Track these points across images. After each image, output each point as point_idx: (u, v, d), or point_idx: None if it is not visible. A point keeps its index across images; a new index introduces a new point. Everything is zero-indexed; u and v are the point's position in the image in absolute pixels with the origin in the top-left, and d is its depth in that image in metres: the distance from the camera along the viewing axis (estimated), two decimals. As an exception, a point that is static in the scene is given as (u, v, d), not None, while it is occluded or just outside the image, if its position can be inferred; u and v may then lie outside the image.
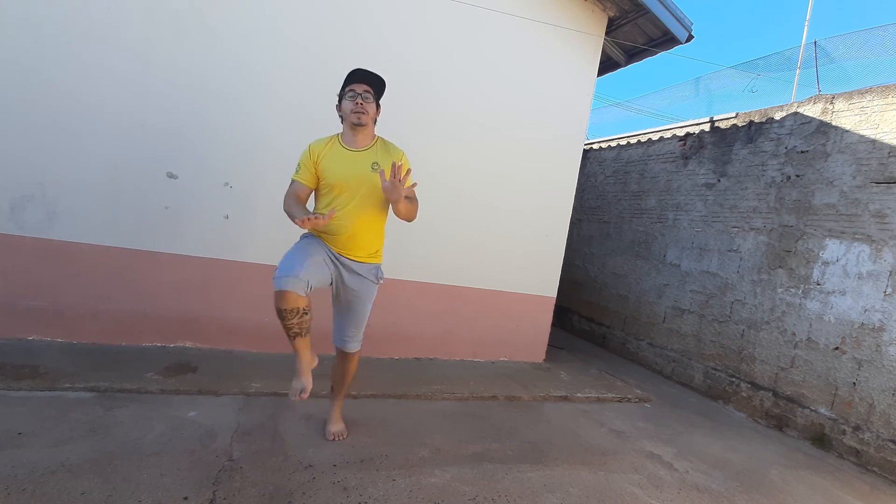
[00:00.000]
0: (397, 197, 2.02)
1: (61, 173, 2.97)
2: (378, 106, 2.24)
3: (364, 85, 2.15)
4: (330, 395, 2.52)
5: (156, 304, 3.22)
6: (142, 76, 3.06)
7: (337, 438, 2.43)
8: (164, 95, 3.12)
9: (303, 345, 2.10)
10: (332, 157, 2.15)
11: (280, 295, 1.95)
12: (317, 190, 2.22)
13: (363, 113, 2.12)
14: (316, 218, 1.87)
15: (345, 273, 2.19)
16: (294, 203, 2.08)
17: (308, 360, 2.15)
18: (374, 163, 2.16)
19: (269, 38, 3.31)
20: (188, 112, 3.18)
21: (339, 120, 2.25)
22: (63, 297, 3.03)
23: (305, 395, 2.13)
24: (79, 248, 3.04)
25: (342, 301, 2.26)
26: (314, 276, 2.04)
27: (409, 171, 2.09)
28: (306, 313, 2.04)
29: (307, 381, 2.13)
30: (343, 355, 2.36)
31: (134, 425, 2.24)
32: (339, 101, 2.22)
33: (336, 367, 2.43)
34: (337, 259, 2.18)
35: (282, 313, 1.99)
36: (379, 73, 2.22)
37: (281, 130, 3.39)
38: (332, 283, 2.21)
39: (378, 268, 2.29)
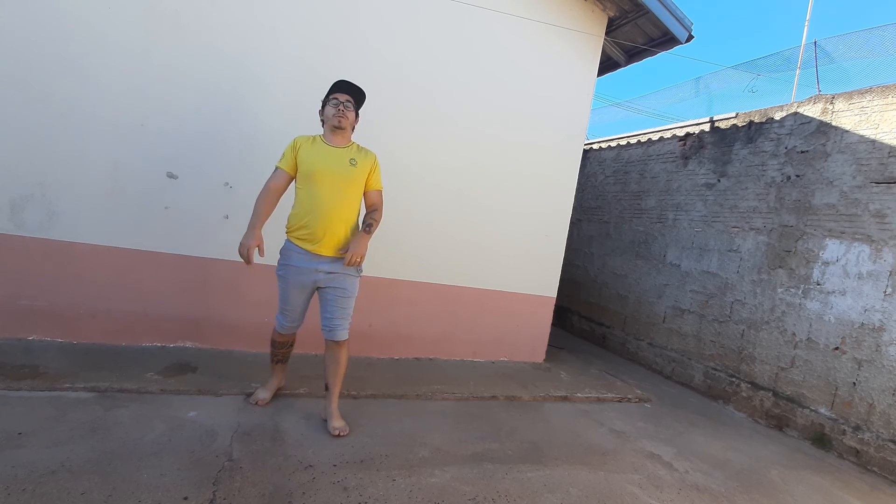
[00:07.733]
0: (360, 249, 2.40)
1: (61, 173, 2.97)
2: (357, 115, 2.52)
3: (346, 95, 2.45)
4: (326, 395, 2.55)
5: (156, 304, 3.22)
6: (141, 76, 3.06)
7: (341, 434, 2.46)
8: (164, 95, 3.11)
9: (280, 369, 2.74)
10: (314, 149, 2.43)
11: (283, 336, 2.62)
12: (296, 179, 2.46)
13: (343, 118, 2.42)
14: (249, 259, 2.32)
15: (325, 273, 2.44)
16: (264, 201, 2.39)
17: (278, 381, 2.76)
18: (351, 158, 2.46)
19: (269, 39, 3.31)
20: (188, 112, 3.18)
21: (321, 123, 2.54)
22: (63, 297, 3.03)
23: (262, 405, 2.65)
24: (79, 248, 3.04)
25: (329, 295, 2.47)
26: (304, 313, 2.57)
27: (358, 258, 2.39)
28: (292, 345, 2.70)
29: (269, 395, 2.70)
30: (333, 346, 2.46)
31: (134, 425, 2.24)
32: (323, 106, 2.50)
33: (328, 362, 2.50)
34: (315, 264, 2.41)
35: (277, 345, 2.65)
36: (360, 86, 2.49)
37: (281, 131, 3.38)
38: (315, 288, 2.49)
39: None
